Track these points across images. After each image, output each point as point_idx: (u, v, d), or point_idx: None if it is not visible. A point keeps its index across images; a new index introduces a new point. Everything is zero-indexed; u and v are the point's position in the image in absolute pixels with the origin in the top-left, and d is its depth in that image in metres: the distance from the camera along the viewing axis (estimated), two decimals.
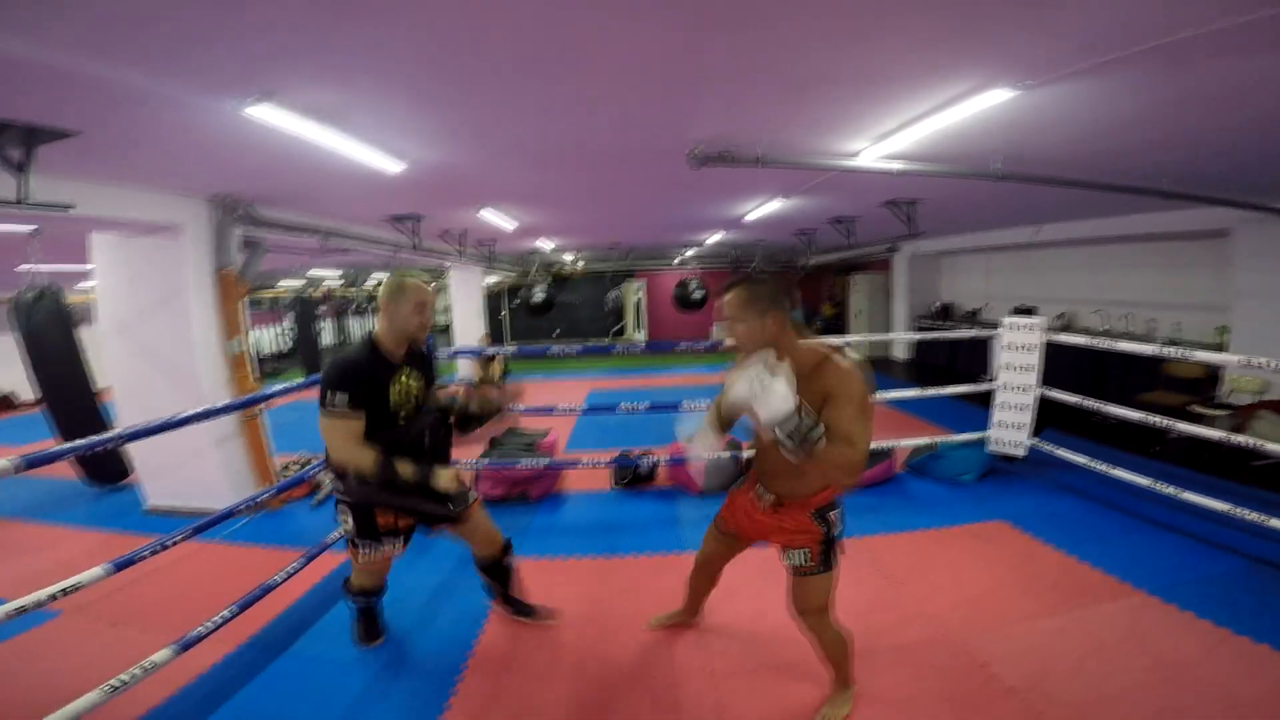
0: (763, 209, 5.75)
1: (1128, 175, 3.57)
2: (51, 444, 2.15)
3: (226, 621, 2.34)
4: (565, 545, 3.47)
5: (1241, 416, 4.48)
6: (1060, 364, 4.53)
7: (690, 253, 11.88)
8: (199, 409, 2.38)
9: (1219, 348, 5.34)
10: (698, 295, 10.75)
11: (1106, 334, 6.47)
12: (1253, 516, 2.98)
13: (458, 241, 7.04)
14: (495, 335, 13.02)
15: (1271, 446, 3.10)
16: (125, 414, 4.09)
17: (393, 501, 2.15)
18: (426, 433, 2.23)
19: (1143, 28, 1.74)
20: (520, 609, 2.69)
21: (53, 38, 1.60)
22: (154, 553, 2.21)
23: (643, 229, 8.06)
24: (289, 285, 12.51)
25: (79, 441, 1.98)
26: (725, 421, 1.94)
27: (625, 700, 2.23)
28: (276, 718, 2.20)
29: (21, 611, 1.75)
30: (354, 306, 17.63)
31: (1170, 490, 3.39)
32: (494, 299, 13.49)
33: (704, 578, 2.44)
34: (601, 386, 8.87)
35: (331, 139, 2.59)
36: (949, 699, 2.14)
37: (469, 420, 2.43)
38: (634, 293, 14.19)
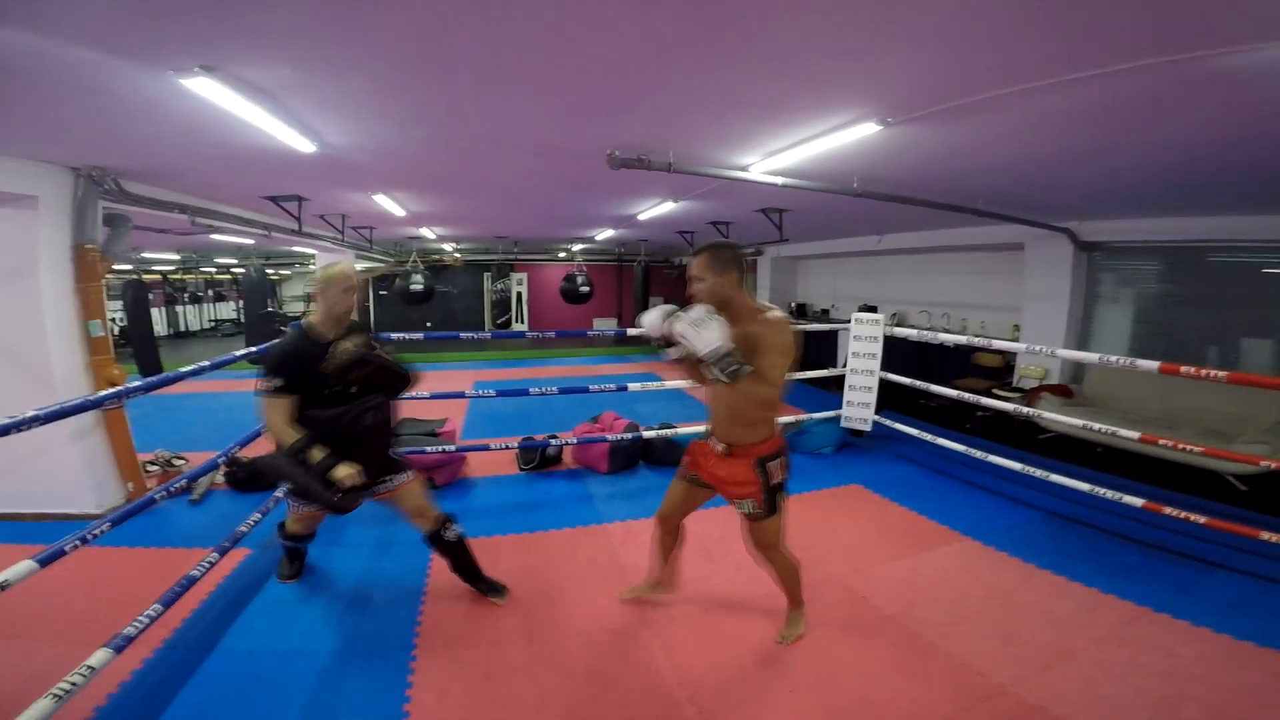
0: (655, 209, 6.13)
1: (950, 195, 4.40)
2: None
3: (155, 619, 2.18)
4: (484, 526, 3.51)
5: (1030, 397, 5.62)
6: (893, 355, 5.36)
7: (578, 247, 12.08)
8: (61, 401, 1.92)
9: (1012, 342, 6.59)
10: (585, 289, 11.00)
11: (929, 330, 7.68)
12: (1039, 473, 3.83)
13: (338, 226, 6.70)
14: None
15: (1049, 418, 4.06)
16: None
17: (292, 475, 2.29)
18: (369, 413, 2.40)
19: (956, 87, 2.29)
20: (474, 583, 2.77)
21: None
22: (52, 558, 1.81)
23: (538, 222, 8.12)
24: (116, 269, 10.88)
25: None
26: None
27: (589, 658, 2.44)
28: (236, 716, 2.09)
29: None
30: (188, 294, 15.71)
31: (979, 454, 4.22)
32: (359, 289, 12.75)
33: (668, 531, 2.61)
34: (485, 378, 8.84)
35: (257, 116, 2.50)
36: (846, 626, 2.60)
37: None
38: (516, 285, 14.15)
